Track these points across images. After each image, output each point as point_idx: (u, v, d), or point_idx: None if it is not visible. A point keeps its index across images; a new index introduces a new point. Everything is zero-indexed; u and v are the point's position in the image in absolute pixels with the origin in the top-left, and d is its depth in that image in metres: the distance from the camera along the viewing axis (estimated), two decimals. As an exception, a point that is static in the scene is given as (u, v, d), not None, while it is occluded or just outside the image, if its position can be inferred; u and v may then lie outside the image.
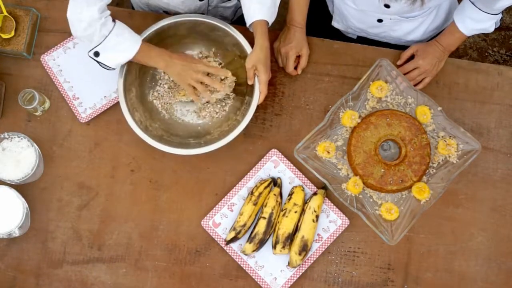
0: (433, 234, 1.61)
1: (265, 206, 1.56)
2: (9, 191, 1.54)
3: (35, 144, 1.57)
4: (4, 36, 1.64)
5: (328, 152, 1.58)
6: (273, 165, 1.61)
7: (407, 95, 1.60)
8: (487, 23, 1.53)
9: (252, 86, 1.55)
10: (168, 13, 1.73)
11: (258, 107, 1.54)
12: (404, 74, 1.64)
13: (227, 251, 1.58)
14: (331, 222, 1.59)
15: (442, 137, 1.58)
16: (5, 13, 1.64)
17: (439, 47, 1.63)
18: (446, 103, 1.66)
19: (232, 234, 1.55)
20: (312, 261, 1.58)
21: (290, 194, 1.57)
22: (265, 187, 1.57)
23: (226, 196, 1.60)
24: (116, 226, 1.61)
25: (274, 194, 1.56)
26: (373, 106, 1.60)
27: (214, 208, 1.60)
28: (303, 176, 1.61)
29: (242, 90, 1.62)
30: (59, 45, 1.67)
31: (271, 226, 1.55)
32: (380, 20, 1.63)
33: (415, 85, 1.65)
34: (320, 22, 1.81)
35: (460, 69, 1.69)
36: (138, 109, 1.58)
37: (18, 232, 1.55)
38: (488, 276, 1.60)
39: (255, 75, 1.53)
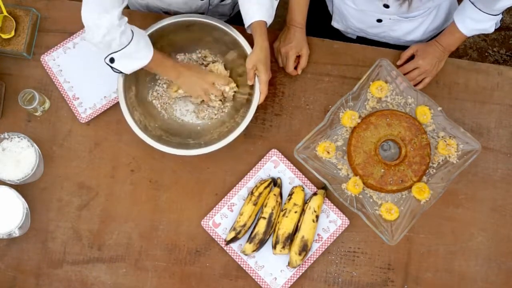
0: (433, 234, 1.61)
1: (265, 206, 1.56)
2: (9, 191, 1.54)
3: (35, 144, 1.57)
4: (4, 36, 1.64)
5: (328, 152, 1.58)
6: (273, 165, 1.61)
7: (407, 95, 1.60)
8: (487, 24, 1.53)
9: (250, 94, 1.56)
10: (168, 13, 1.73)
11: (258, 107, 1.54)
12: (404, 74, 1.64)
13: (227, 251, 1.58)
14: (331, 222, 1.59)
15: (442, 137, 1.58)
16: (5, 13, 1.64)
17: (439, 47, 1.63)
18: (446, 103, 1.66)
19: (232, 234, 1.55)
20: (312, 261, 1.58)
21: (290, 194, 1.57)
22: (265, 187, 1.57)
23: (226, 196, 1.60)
24: (116, 226, 1.61)
25: (274, 194, 1.56)
26: (373, 106, 1.60)
27: (214, 208, 1.60)
28: (303, 176, 1.61)
29: (241, 96, 1.62)
30: (59, 45, 1.67)
31: (271, 226, 1.55)
32: (379, 20, 1.63)
33: (415, 85, 1.65)
34: (319, 22, 1.81)
35: (460, 69, 1.69)
36: (137, 108, 1.58)
37: (18, 232, 1.55)
38: (488, 276, 1.60)
39: (255, 75, 1.53)
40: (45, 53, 1.67)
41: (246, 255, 1.56)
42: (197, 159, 1.62)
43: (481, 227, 1.62)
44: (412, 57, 1.67)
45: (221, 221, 1.59)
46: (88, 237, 1.61)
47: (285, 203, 1.57)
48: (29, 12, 1.66)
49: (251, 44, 1.54)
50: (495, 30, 1.57)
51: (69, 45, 1.67)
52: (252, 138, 1.65)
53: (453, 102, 1.67)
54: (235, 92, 1.64)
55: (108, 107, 1.64)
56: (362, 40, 1.80)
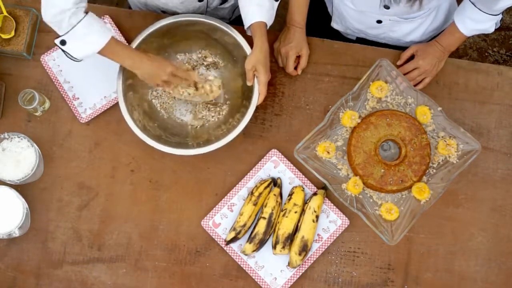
0: (433, 234, 1.61)
1: (265, 206, 1.56)
2: (9, 191, 1.54)
3: (35, 144, 1.57)
4: (4, 36, 1.64)
5: (328, 152, 1.58)
6: (273, 165, 1.61)
7: (407, 95, 1.60)
8: (487, 24, 1.53)
9: (249, 94, 1.55)
10: (166, 13, 1.73)
11: (257, 107, 1.54)
12: (404, 74, 1.64)
13: (227, 251, 1.58)
14: (331, 222, 1.59)
15: (442, 137, 1.58)
16: (5, 13, 1.64)
17: (439, 47, 1.63)
18: (446, 103, 1.66)
19: (232, 234, 1.55)
20: (312, 261, 1.58)
21: (290, 194, 1.57)
22: (265, 187, 1.57)
23: (226, 196, 1.60)
24: (116, 226, 1.61)
25: (274, 194, 1.56)
26: (373, 106, 1.60)
27: (214, 208, 1.60)
28: (303, 176, 1.61)
29: (240, 97, 1.62)
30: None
31: (271, 226, 1.55)
32: (379, 21, 1.63)
33: (415, 85, 1.65)
34: (319, 23, 1.81)
35: (460, 69, 1.69)
36: (136, 108, 1.58)
37: (18, 232, 1.55)
38: (488, 276, 1.60)
39: (254, 76, 1.53)
40: (45, 53, 1.67)
41: (246, 255, 1.56)
42: (197, 159, 1.62)
43: (481, 227, 1.62)
44: (412, 57, 1.67)
45: (221, 221, 1.59)
46: (88, 237, 1.61)
47: (285, 203, 1.57)
48: (29, 12, 1.66)
49: (252, 45, 1.54)
50: (495, 30, 1.57)
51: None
52: (252, 138, 1.65)
53: (453, 102, 1.67)
54: (233, 97, 1.64)
55: (108, 107, 1.64)
56: (361, 41, 1.80)
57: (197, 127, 1.65)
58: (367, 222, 1.51)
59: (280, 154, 1.61)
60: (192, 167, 1.63)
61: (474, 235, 1.61)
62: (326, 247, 1.58)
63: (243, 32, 1.57)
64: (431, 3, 1.49)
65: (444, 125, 1.58)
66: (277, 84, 1.67)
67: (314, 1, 1.73)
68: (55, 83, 1.66)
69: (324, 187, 1.59)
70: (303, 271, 1.57)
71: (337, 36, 1.83)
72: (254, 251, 1.55)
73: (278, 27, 1.73)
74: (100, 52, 1.44)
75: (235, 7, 1.82)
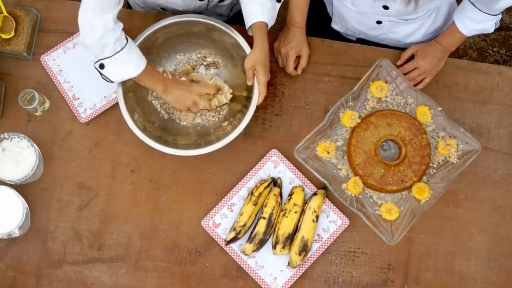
0: (433, 234, 1.61)
1: (265, 206, 1.56)
2: (9, 191, 1.54)
3: (35, 145, 1.57)
4: (4, 36, 1.64)
5: (328, 152, 1.58)
6: (273, 165, 1.61)
7: (407, 95, 1.60)
8: (487, 24, 1.53)
9: (249, 95, 1.55)
10: (165, 10, 1.72)
11: (258, 107, 1.54)
12: (404, 74, 1.64)
13: (227, 251, 1.58)
14: (331, 222, 1.59)
15: (442, 137, 1.58)
16: (5, 13, 1.64)
17: (439, 47, 1.63)
18: (446, 103, 1.66)
19: (232, 234, 1.55)
20: (312, 261, 1.58)
21: (290, 194, 1.57)
22: (265, 187, 1.57)
23: (226, 196, 1.60)
24: (116, 226, 1.61)
25: (274, 194, 1.56)
26: (373, 106, 1.60)
27: (214, 208, 1.60)
28: (303, 176, 1.61)
29: (240, 97, 1.62)
30: (59, 45, 1.67)
31: (271, 226, 1.55)
32: (379, 22, 1.63)
33: (415, 85, 1.65)
34: (319, 24, 1.81)
35: (460, 69, 1.69)
36: (137, 109, 1.58)
37: (18, 232, 1.55)
38: (488, 276, 1.60)
39: (254, 75, 1.53)
40: (45, 53, 1.67)
41: (246, 255, 1.56)
42: (197, 159, 1.62)
43: (481, 227, 1.62)
44: (412, 57, 1.67)
45: (221, 221, 1.59)
46: (88, 237, 1.61)
47: (285, 203, 1.57)
48: (29, 12, 1.66)
49: (251, 45, 1.54)
50: (495, 30, 1.57)
51: (69, 45, 1.67)
52: (252, 138, 1.65)
53: (453, 102, 1.67)
54: (233, 94, 1.64)
55: (108, 107, 1.64)
56: (362, 42, 1.80)
57: (198, 127, 1.65)
58: (367, 222, 1.51)
59: (280, 154, 1.61)
60: (192, 167, 1.63)
61: (474, 235, 1.61)
62: (326, 247, 1.58)
63: (242, 32, 1.57)
64: (430, 4, 1.49)
65: (444, 125, 1.58)
66: (277, 84, 1.67)
67: (314, 2, 1.73)
68: (55, 83, 1.66)
69: (324, 187, 1.59)
70: (303, 271, 1.57)
71: (337, 36, 1.83)
72: (254, 251, 1.55)
73: (278, 27, 1.73)
74: (135, 78, 1.46)
75: (233, 4, 1.82)
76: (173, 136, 1.60)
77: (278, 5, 1.55)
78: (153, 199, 1.62)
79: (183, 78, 1.63)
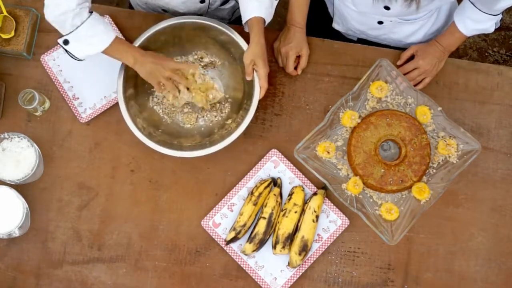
0: (433, 234, 1.61)
1: (265, 206, 1.56)
2: (9, 191, 1.54)
3: (35, 144, 1.57)
4: (4, 36, 1.64)
5: (328, 152, 1.58)
6: (273, 165, 1.61)
7: (407, 95, 1.60)
8: (487, 24, 1.53)
9: (250, 93, 1.55)
10: (167, 11, 1.73)
11: (258, 107, 1.54)
12: (404, 74, 1.64)
13: (227, 251, 1.58)
14: (331, 222, 1.59)
15: (442, 137, 1.58)
16: (5, 13, 1.64)
17: (439, 47, 1.63)
18: (446, 103, 1.66)
19: (232, 234, 1.55)
20: (312, 261, 1.58)
21: (290, 194, 1.57)
22: (265, 187, 1.57)
23: (226, 196, 1.60)
24: (116, 226, 1.61)
25: (274, 194, 1.56)
26: (373, 106, 1.60)
27: (214, 208, 1.60)
28: (303, 176, 1.61)
29: (241, 94, 1.62)
30: (59, 45, 1.67)
31: (271, 226, 1.55)
32: (380, 22, 1.63)
33: (415, 85, 1.65)
34: (320, 24, 1.81)
35: (460, 69, 1.69)
36: (140, 116, 1.58)
37: (18, 232, 1.55)
38: (488, 276, 1.60)
39: (253, 70, 1.53)
40: (45, 53, 1.67)
41: (246, 255, 1.56)
42: (197, 159, 1.62)
43: (481, 227, 1.62)
44: (412, 57, 1.67)
45: (221, 221, 1.59)
46: (88, 237, 1.61)
47: (285, 203, 1.57)
48: (29, 12, 1.66)
49: (248, 42, 1.53)
50: (495, 30, 1.57)
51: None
52: (252, 138, 1.65)
53: (453, 102, 1.67)
54: (233, 99, 1.64)
55: (108, 107, 1.64)
56: (362, 42, 1.80)
57: (201, 128, 1.64)
58: (367, 222, 1.51)
59: (280, 154, 1.61)
60: (192, 167, 1.63)
61: (474, 235, 1.61)
62: (326, 247, 1.58)
63: (240, 32, 1.57)
64: (431, 4, 1.49)
65: (444, 125, 1.58)
66: (277, 84, 1.67)
67: (315, 2, 1.73)
68: (55, 83, 1.66)
69: (324, 187, 1.59)
70: (303, 271, 1.57)
71: (338, 36, 1.83)
72: (254, 251, 1.55)
73: (278, 27, 1.73)
74: (104, 52, 1.45)
75: (235, 8, 1.82)
76: (177, 139, 1.60)
77: (275, 2, 1.55)
78: (153, 199, 1.62)
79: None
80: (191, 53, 1.67)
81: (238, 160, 1.63)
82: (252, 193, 1.56)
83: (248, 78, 1.54)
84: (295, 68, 1.64)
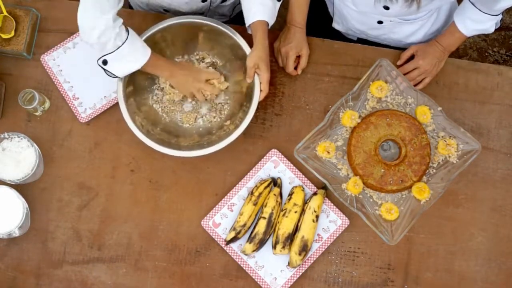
0: (433, 234, 1.61)
1: (265, 206, 1.56)
2: (9, 191, 1.54)
3: (35, 144, 1.57)
4: (4, 36, 1.64)
5: (328, 152, 1.58)
6: (273, 165, 1.61)
7: (407, 95, 1.60)
8: (487, 24, 1.53)
9: (250, 93, 1.55)
10: (168, 11, 1.73)
11: (258, 107, 1.54)
12: (404, 74, 1.64)
13: (227, 251, 1.58)
14: (331, 222, 1.59)
15: (442, 137, 1.58)
16: (5, 13, 1.64)
17: (439, 47, 1.63)
18: (446, 103, 1.66)
19: (232, 234, 1.55)
20: (312, 261, 1.58)
21: (290, 194, 1.57)
22: (265, 187, 1.57)
23: (226, 196, 1.60)
24: (116, 226, 1.61)
25: (274, 194, 1.56)
26: (373, 106, 1.60)
27: (214, 208, 1.60)
28: (303, 176, 1.61)
29: (240, 96, 1.62)
30: (59, 45, 1.67)
31: (271, 226, 1.55)
32: (380, 22, 1.63)
33: (415, 85, 1.65)
34: (320, 24, 1.81)
35: (460, 69, 1.69)
36: (139, 113, 1.58)
37: (18, 232, 1.55)
38: (488, 276, 1.60)
39: (255, 73, 1.54)
40: (45, 53, 1.67)
41: (246, 255, 1.56)
42: (197, 159, 1.62)
43: (481, 227, 1.62)
44: (412, 57, 1.67)
45: (221, 221, 1.59)
46: (88, 237, 1.61)
47: (285, 203, 1.57)
48: (29, 12, 1.66)
49: (250, 44, 1.54)
50: (495, 30, 1.57)
51: (69, 45, 1.67)
52: (252, 138, 1.65)
53: (453, 102, 1.67)
54: (233, 99, 1.64)
55: (108, 107, 1.64)
56: (362, 42, 1.80)
57: (200, 128, 1.65)
58: (367, 222, 1.51)
59: (280, 154, 1.61)
60: (192, 167, 1.63)
61: (474, 235, 1.61)
62: (326, 247, 1.58)
63: (242, 32, 1.57)
64: (431, 4, 1.49)
65: (444, 125, 1.58)
66: (277, 84, 1.67)
67: (315, 1, 1.73)
68: (55, 83, 1.66)
69: (324, 187, 1.59)
70: (303, 271, 1.57)
71: (338, 36, 1.83)
72: (254, 251, 1.55)
73: (278, 27, 1.73)
74: (141, 68, 1.47)
75: (235, 4, 1.82)
76: (176, 138, 1.60)
77: (278, 4, 1.55)
78: (153, 199, 1.62)
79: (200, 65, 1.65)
80: (193, 53, 1.67)
81: (238, 160, 1.63)
82: (252, 193, 1.56)
83: (249, 81, 1.55)
84: (295, 68, 1.64)
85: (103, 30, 1.35)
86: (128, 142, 1.64)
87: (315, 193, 1.57)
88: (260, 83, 1.53)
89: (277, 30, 1.68)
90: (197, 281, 1.59)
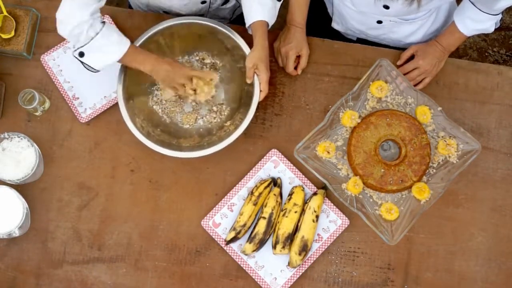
0: (433, 234, 1.61)
1: (265, 206, 1.56)
2: (9, 191, 1.54)
3: (35, 144, 1.57)
4: (4, 36, 1.64)
5: (328, 152, 1.58)
6: (273, 165, 1.61)
7: (407, 95, 1.60)
8: (487, 24, 1.53)
9: (250, 96, 1.55)
10: (168, 13, 1.73)
11: (258, 107, 1.54)
12: (404, 74, 1.64)
13: (227, 251, 1.58)
14: (331, 222, 1.59)
15: (442, 137, 1.58)
16: (5, 13, 1.64)
17: (439, 47, 1.63)
18: (446, 103, 1.66)
19: (232, 234, 1.55)
20: (312, 261, 1.58)
21: (290, 194, 1.57)
22: (265, 187, 1.57)
23: (226, 196, 1.60)
24: (116, 226, 1.61)
25: (274, 194, 1.56)
26: (373, 106, 1.60)
27: (214, 208, 1.60)
28: (303, 176, 1.61)
29: (240, 96, 1.62)
30: (59, 45, 1.67)
31: (271, 226, 1.55)
32: (379, 22, 1.63)
33: (415, 85, 1.65)
34: (319, 24, 1.81)
35: (460, 69, 1.69)
36: (139, 115, 1.58)
37: (18, 232, 1.55)
38: (488, 276, 1.60)
39: (254, 74, 1.54)
40: (45, 53, 1.67)
41: (246, 255, 1.56)
42: (197, 159, 1.62)
43: (481, 227, 1.62)
44: (412, 57, 1.67)
45: (221, 221, 1.59)
46: (88, 237, 1.61)
47: (285, 203, 1.57)
48: (29, 12, 1.66)
49: (250, 44, 1.53)
50: (495, 30, 1.57)
51: (69, 45, 1.67)
52: (252, 138, 1.65)
53: (453, 102, 1.67)
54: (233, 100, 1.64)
55: (108, 107, 1.64)
56: (362, 42, 1.80)
57: (200, 129, 1.65)
58: (367, 222, 1.51)
59: (280, 154, 1.61)
60: (192, 167, 1.63)
61: (474, 235, 1.61)
62: (326, 247, 1.58)
63: (242, 32, 1.57)
64: (431, 3, 1.49)
65: (444, 125, 1.58)
66: (277, 84, 1.67)
67: (315, 1, 1.73)
68: (55, 83, 1.66)
69: (324, 187, 1.59)
70: (303, 271, 1.57)
71: (338, 36, 1.83)
72: (254, 251, 1.55)
73: (279, 26, 1.73)
74: (120, 61, 1.46)
75: (236, 7, 1.82)
76: (176, 139, 1.60)
77: (279, 4, 1.55)
78: (153, 199, 1.62)
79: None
80: (193, 54, 1.67)
81: (238, 160, 1.63)
82: (252, 193, 1.56)
83: (248, 81, 1.55)
84: (295, 68, 1.64)
85: (78, 24, 1.37)
86: (128, 142, 1.64)
87: (315, 193, 1.57)
88: (260, 83, 1.53)
89: (277, 30, 1.68)
90: (197, 281, 1.59)
